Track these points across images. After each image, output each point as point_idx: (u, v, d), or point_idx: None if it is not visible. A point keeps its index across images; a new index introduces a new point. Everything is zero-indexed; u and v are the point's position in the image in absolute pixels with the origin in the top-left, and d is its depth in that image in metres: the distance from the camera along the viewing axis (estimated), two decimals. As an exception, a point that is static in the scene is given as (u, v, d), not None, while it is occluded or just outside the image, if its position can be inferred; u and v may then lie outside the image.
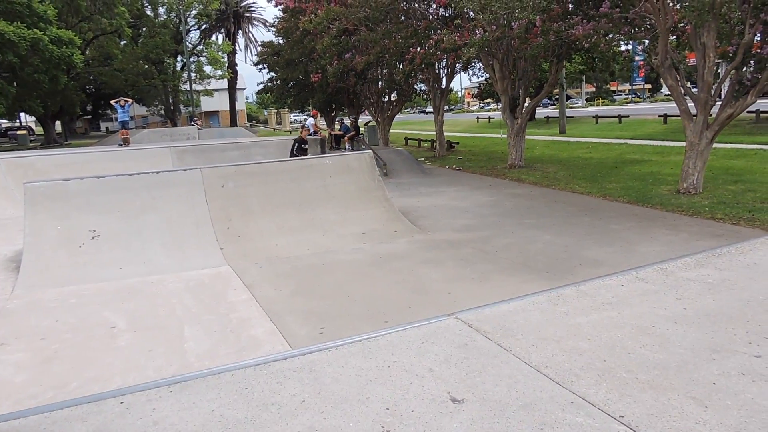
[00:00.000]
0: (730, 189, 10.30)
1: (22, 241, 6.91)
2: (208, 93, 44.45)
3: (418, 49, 15.78)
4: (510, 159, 15.81)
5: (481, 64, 18.99)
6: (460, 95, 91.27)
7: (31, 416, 1.52)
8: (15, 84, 26.67)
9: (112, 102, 20.74)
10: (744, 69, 9.90)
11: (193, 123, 36.62)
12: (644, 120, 28.77)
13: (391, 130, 24.52)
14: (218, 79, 43.82)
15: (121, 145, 19.76)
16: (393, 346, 2.01)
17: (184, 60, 40.35)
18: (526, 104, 16.08)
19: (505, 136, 16.78)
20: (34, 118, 46.10)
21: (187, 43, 39.98)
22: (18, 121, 52.21)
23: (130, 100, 21.09)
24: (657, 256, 6.45)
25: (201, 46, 43.71)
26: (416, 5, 15.87)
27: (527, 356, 1.87)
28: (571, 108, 49.30)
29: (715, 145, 10.64)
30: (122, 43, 39.21)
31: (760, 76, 9.45)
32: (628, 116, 30.39)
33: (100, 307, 5.40)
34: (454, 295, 5.57)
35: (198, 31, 45.10)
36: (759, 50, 9.55)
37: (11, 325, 4.94)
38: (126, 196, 7.28)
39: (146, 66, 38.33)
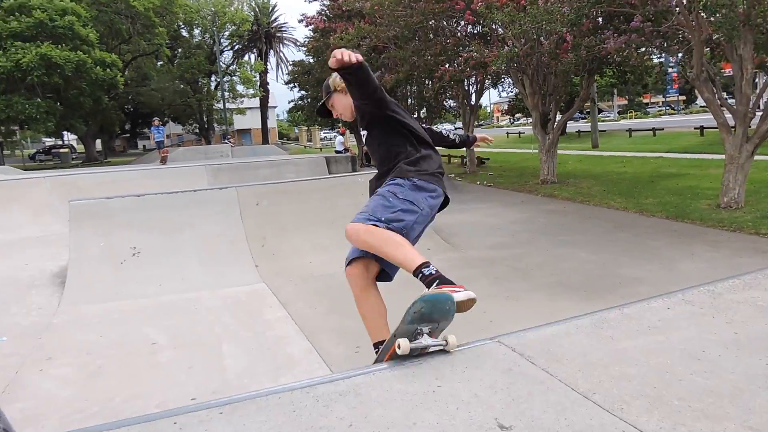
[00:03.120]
0: (774, 204, 9.97)
1: (67, 257, 7.15)
2: (241, 111, 45.41)
3: (447, 66, 15.87)
4: (542, 174, 15.67)
5: (510, 80, 18.95)
6: (489, 110, 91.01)
7: (91, 435, 1.59)
8: (59, 104, 27.81)
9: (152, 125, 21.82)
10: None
11: (226, 141, 37.44)
12: (680, 132, 28.14)
13: (420, 146, 24.56)
14: (250, 97, 44.74)
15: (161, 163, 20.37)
16: (436, 371, 2.01)
17: (218, 80, 41.38)
18: (557, 119, 15.95)
19: (537, 151, 16.66)
20: (75, 137, 47.88)
21: (221, 63, 41.03)
22: (61, 139, 54.26)
23: (158, 122, 22.36)
24: (699, 273, 6.28)
25: (234, 66, 44.80)
26: (445, 23, 15.99)
27: (574, 382, 1.85)
28: (603, 121, 48.60)
29: (756, 157, 10.34)
30: (159, 63, 40.53)
31: (802, 88, 9.19)
32: (662, 129, 29.76)
33: (142, 323, 5.53)
34: (489, 315, 5.51)
35: (231, 51, 46.29)
36: (799, 60, 9.31)
37: (58, 340, 5.10)
38: (165, 214, 7.46)
39: (182, 86, 39.47)
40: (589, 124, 31.06)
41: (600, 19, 12.20)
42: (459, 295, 2.39)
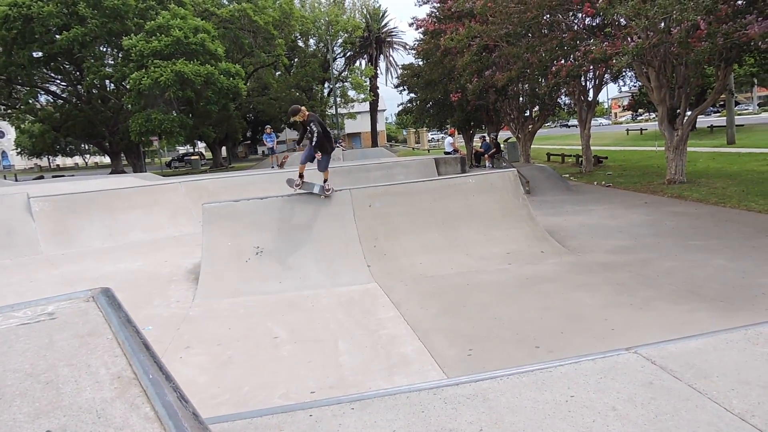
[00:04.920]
0: None
1: (199, 255, 7.80)
2: (352, 116, 46.92)
3: (563, 61, 15.20)
4: (669, 174, 14.48)
5: (632, 73, 17.76)
6: (607, 107, 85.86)
7: (236, 421, 1.71)
8: (191, 115, 30.54)
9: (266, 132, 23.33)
10: None
11: (338, 145, 38.78)
12: (838, 125, 24.68)
13: (532, 146, 23.81)
14: (361, 102, 46.10)
15: (273, 167, 21.59)
16: (568, 379, 1.92)
17: (331, 86, 43.12)
18: (687, 114, 14.65)
19: (662, 148, 15.43)
20: (204, 145, 52.30)
21: (334, 70, 42.70)
22: (193, 147, 59.52)
23: (270, 129, 23.95)
24: None
25: (346, 73, 46.38)
26: (561, 16, 15.33)
27: (728, 402, 1.68)
28: (740, 115, 43.92)
29: None
30: (277, 73, 43.04)
31: None
32: (815, 122, 26.27)
33: (265, 318, 5.89)
34: (611, 322, 5.21)
35: (343, 58, 47.94)
36: None
37: (194, 331, 5.58)
38: (285, 215, 7.90)
39: (297, 93, 41.59)
40: (724, 118, 28.22)
41: (740, 2, 11.02)
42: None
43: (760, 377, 1.82)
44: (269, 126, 25.01)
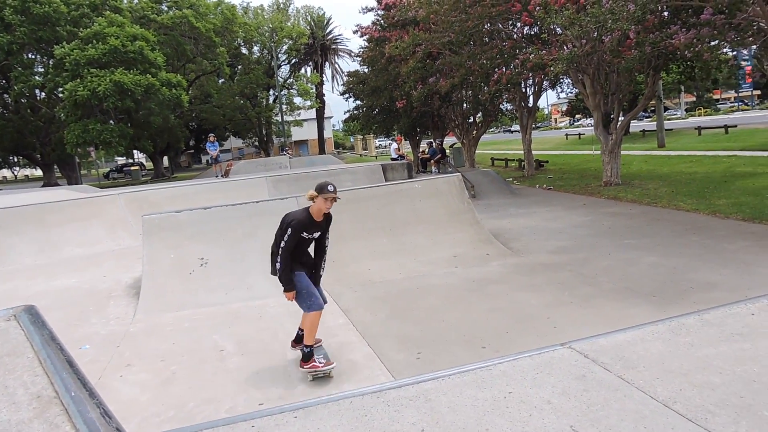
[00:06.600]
0: None
1: (141, 269, 7.52)
2: (298, 123, 46.51)
3: (504, 69, 15.66)
4: (605, 176, 15.15)
5: (570, 80, 18.49)
6: (547, 112, 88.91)
7: (174, 437, 1.67)
8: (130, 125, 29.48)
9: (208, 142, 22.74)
10: None
11: (284, 152, 38.36)
12: (755, 129, 26.49)
13: (476, 151, 24.34)
14: (307, 109, 45.78)
15: (218, 176, 21.14)
16: (507, 376, 1.98)
17: (276, 93, 42.65)
18: (620, 119, 15.39)
19: (599, 152, 16.12)
20: (144, 155, 50.56)
21: (279, 77, 42.28)
22: (132, 158, 57.40)
23: (213, 137, 23.38)
24: (783, 278, 5.88)
25: (291, 79, 45.99)
26: (500, 26, 15.81)
27: (653, 390, 1.77)
28: (669, 120, 46.44)
29: None
30: (220, 81, 42.18)
31: None
32: (735, 126, 28.10)
33: (210, 331, 5.74)
34: (553, 321, 5.39)
35: (288, 65, 47.51)
36: None
37: (135, 348, 5.37)
38: (230, 225, 7.73)
39: (242, 101, 40.88)
40: (655, 122, 29.78)
41: (666, 14, 11.71)
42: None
43: (681, 366, 1.93)
44: (212, 134, 24.44)
